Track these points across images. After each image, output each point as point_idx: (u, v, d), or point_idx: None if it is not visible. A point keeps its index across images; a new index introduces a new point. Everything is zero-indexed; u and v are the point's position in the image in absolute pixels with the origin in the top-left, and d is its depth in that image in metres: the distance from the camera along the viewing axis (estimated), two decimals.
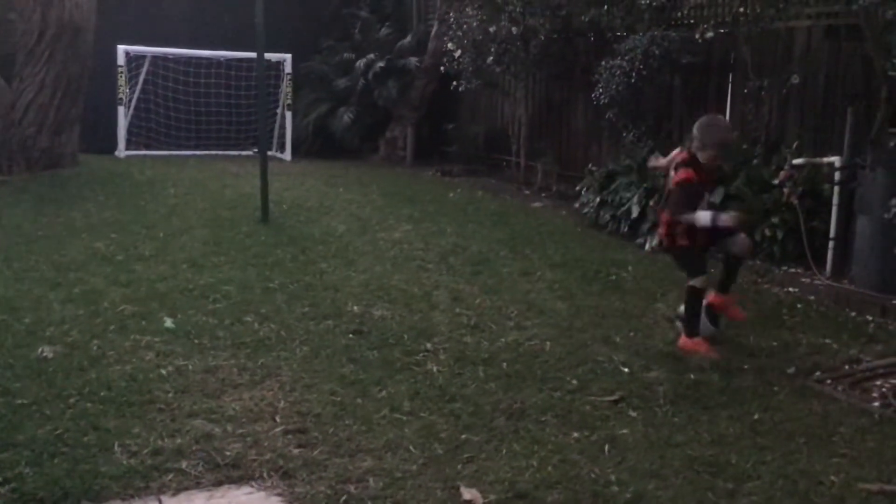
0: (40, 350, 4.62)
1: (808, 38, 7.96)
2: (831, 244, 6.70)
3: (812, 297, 6.31)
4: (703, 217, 4.99)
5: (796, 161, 7.04)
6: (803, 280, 6.62)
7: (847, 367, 4.89)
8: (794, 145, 7.55)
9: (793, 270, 6.86)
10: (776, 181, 7.05)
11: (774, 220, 7.03)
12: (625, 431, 3.95)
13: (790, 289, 6.54)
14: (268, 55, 9.84)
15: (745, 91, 8.22)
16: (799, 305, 6.13)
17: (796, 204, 6.80)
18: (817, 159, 7.03)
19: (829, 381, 4.66)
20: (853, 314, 5.93)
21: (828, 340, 5.34)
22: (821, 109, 7.79)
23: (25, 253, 6.73)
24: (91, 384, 4.20)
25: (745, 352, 5.11)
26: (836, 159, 6.73)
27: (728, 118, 8.74)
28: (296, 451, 3.63)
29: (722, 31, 8.31)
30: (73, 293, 5.74)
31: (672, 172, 5.15)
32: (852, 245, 6.49)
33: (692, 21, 8.96)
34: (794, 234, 6.90)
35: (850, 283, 6.39)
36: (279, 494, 3.30)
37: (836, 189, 6.68)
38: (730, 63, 8.75)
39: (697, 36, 8.27)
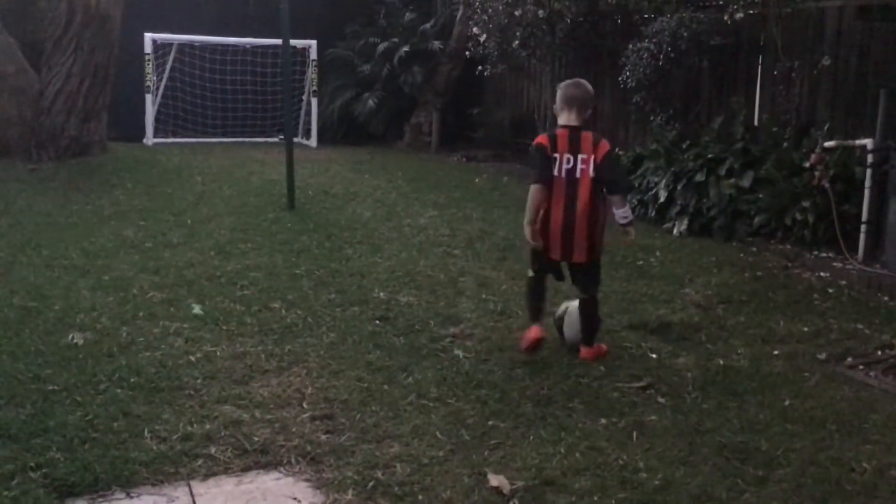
0: (70, 337, 4.66)
1: (840, 18, 7.82)
2: (863, 228, 6.61)
3: (844, 282, 6.23)
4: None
5: (827, 144, 6.95)
6: (835, 264, 6.54)
7: (880, 352, 4.82)
8: (826, 128, 7.45)
9: (824, 255, 6.77)
10: (807, 164, 6.97)
11: (805, 203, 6.95)
12: (653, 418, 3.92)
13: (821, 273, 6.46)
14: (293, 42, 9.86)
15: (776, 73, 8.12)
16: (830, 290, 6.05)
17: (827, 187, 6.72)
18: (849, 142, 6.93)
19: (861, 367, 4.60)
20: (886, 299, 5.85)
21: (860, 326, 5.27)
22: (852, 91, 7.66)
23: (55, 240, 6.80)
24: (121, 370, 4.23)
25: (776, 337, 5.05)
26: (868, 142, 6.63)
27: (758, 101, 8.65)
28: (323, 436, 3.65)
29: (751, 11, 8.19)
30: (103, 280, 5.79)
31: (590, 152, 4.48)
32: (885, 229, 6.40)
33: (721, 2, 8.83)
34: (825, 217, 6.81)
35: (882, 268, 6.30)
36: (307, 480, 3.31)
37: (869, 172, 6.59)
38: (759, 44, 8.63)
39: (726, 17, 8.16)
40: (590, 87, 4.57)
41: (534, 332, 4.54)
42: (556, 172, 4.41)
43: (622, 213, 4.52)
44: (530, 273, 4.68)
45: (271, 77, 13.67)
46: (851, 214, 6.73)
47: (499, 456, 3.50)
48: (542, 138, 4.50)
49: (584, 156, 4.40)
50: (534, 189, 4.47)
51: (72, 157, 10.58)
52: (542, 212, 4.46)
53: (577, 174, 4.40)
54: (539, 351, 4.58)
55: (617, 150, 9.69)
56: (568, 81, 4.61)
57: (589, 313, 4.63)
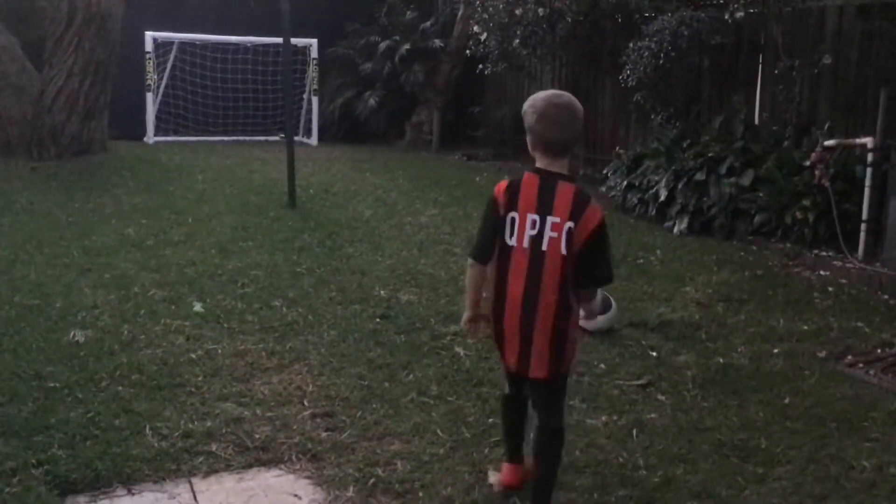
0: (72, 334, 4.67)
1: (840, 17, 7.82)
2: (863, 226, 6.61)
3: (844, 281, 6.24)
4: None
5: (828, 142, 6.95)
6: (835, 263, 6.54)
7: (879, 350, 4.83)
8: (826, 126, 7.44)
9: (824, 253, 6.77)
10: (807, 163, 6.97)
11: (806, 202, 6.95)
12: (653, 415, 3.93)
13: (821, 272, 6.47)
14: (294, 40, 9.87)
15: (776, 72, 8.11)
16: (830, 289, 6.05)
17: (828, 186, 6.72)
18: (849, 140, 6.94)
19: (860, 365, 4.60)
20: (886, 297, 5.86)
21: (860, 324, 5.28)
22: (853, 90, 7.66)
23: (56, 239, 6.81)
24: (122, 368, 4.24)
25: (776, 336, 5.06)
26: (868, 140, 6.63)
27: (758, 99, 8.63)
28: (324, 434, 3.66)
29: (752, 10, 8.18)
30: (104, 278, 5.80)
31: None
32: (885, 227, 6.40)
33: (722, 1, 8.83)
34: (825, 216, 6.81)
35: (882, 266, 6.30)
36: (308, 477, 3.32)
37: (869, 171, 6.59)
38: (760, 43, 8.63)
39: (727, 16, 8.16)
40: (578, 106, 3.01)
41: (506, 474, 3.25)
42: (512, 241, 2.93)
43: (587, 308, 3.20)
44: (504, 390, 3.29)
45: (272, 76, 13.67)
46: (852, 213, 6.73)
47: (499, 453, 3.50)
48: (500, 186, 3.01)
49: (557, 219, 2.89)
50: (469, 270, 3.09)
51: (73, 156, 10.58)
52: (497, 294, 3.00)
53: (544, 245, 2.90)
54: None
55: (618, 148, 9.69)
56: (552, 99, 2.98)
57: (549, 454, 3.10)
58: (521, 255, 2.92)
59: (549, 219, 2.89)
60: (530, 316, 2.91)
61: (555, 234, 2.88)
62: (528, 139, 3.02)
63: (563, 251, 2.87)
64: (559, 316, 2.91)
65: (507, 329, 2.98)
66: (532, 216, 2.91)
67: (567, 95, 3.01)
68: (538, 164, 3.00)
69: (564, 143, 2.99)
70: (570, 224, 2.87)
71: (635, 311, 5.41)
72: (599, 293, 3.11)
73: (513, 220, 2.93)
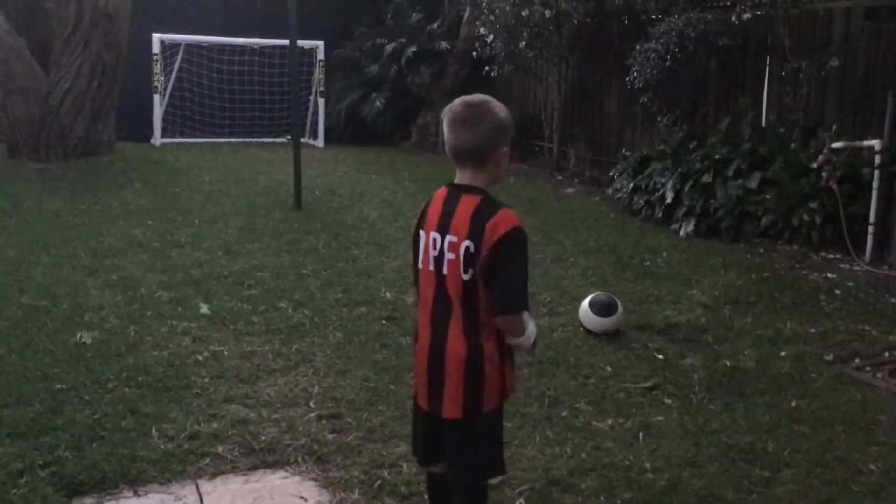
0: (79, 335, 4.68)
1: (848, 19, 7.81)
2: (871, 229, 6.59)
3: (851, 283, 6.22)
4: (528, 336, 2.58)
5: (835, 145, 6.93)
6: (842, 266, 6.52)
7: (886, 354, 4.82)
8: (833, 129, 7.42)
9: (831, 256, 6.75)
10: (814, 165, 6.95)
11: (812, 204, 6.93)
12: (659, 418, 3.92)
13: (828, 275, 6.45)
14: (300, 42, 9.88)
15: (783, 74, 8.09)
16: (837, 291, 6.04)
17: (835, 188, 6.70)
18: (857, 143, 6.91)
19: (868, 369, 4.59)
20: (893, 300, 5.84)
21: (867, 327, 5.26)
22: (860, 92, 7.64)
23: (63, 240, 6.82)
24: (129, 369, 4.25)
25: (783, 338, 5.05)
26: (875, 143, 6.61)
27: (765, 101, 8.61)
28: (330, 436, 3.66)
29: (759, 12, 8.17)
30: (111, 279, 5.81)
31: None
32: (892, 230, 6.39)
33: (729, 2, 8.82)
34: (832, 219, 6.79)
35: (889, 269, 6.29)
36: (314, 479, 3.32)
37: (876, 173, 6.57)
38: (767, 45, 8.62)
39: (734, 17, 8.15)
40: (498, 111, 2.61)
41: None
42: (420, 262, 2.63)
43: (517, 342, 2.58)
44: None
45: (279, 77, 13.68)
46: (859, 215, 6.71)
47: (505, 456, 3.49)
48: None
49: (454, 238, 2.50)
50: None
51: (80, 157, 10.60)
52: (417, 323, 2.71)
53: (444, 269, 2.53)
54: None
55: (624, 150, 9.67)
56: (465, 98, 2.63)
57: None
58: (427, 279, 2.59)
59: (448, 238, 2.51)
60: (439, 346, 2.54)
61: (452, 256, 2.49)
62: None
63: (463, 275, 2.47)
64: (469, 347, 2.50)
65: (418, 360, 2.64)
66: (434, 234, 2.55)
67: (484, 98, 2.63)
68: (457, 178, 2.62)
69: (465, 151, 2.53)
70: (467, 243, 2.45)
71: (641, 314, 5.40)
72: (531, 324, 2.55)
73: (418, 239, 2.63)
